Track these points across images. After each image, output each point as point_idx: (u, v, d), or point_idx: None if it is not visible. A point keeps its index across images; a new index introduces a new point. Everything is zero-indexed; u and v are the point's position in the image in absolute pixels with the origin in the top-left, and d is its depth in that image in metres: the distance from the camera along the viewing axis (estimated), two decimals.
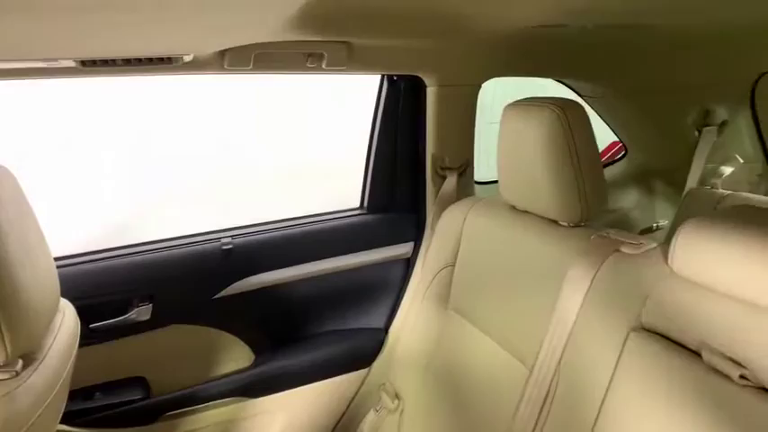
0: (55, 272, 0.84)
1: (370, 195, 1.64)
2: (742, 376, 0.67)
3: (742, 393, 0.67)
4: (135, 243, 1.39)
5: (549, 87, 1.78)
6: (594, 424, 0.85)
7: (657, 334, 0.81)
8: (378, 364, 1.58)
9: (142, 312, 1.31)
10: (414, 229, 1.63)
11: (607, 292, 0.90)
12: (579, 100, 1.85)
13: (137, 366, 1.37)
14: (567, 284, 0.96)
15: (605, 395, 0.84)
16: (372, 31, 1.14)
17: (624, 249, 0.94)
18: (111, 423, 1.30)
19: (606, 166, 2.21)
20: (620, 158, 2.21)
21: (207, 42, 1.03)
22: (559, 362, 0.95)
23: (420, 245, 1.61)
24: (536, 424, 0.97)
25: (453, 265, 1.31)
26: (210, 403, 1.41)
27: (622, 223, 2.17)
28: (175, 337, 1.39)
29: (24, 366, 0.71)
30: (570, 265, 0.97)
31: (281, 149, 5.89)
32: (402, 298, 1.62)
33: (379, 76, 1.57)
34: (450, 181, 1.56)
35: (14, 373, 0.69)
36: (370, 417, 1.47)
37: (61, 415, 0.86)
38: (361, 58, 1.28)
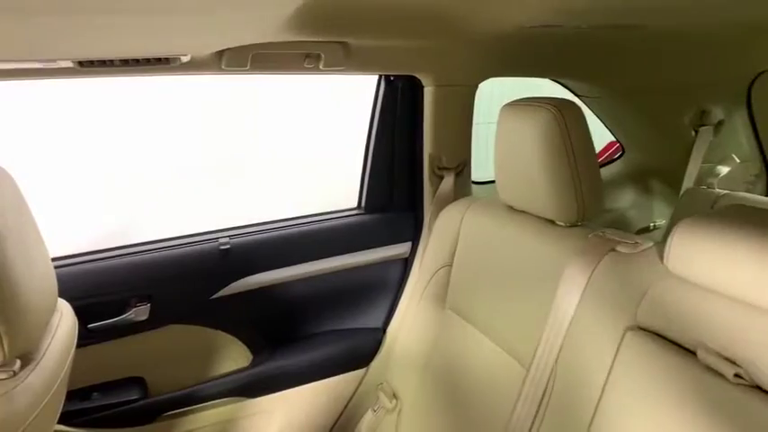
0: (52, 272, 0.84)
1: (367, 195, 1.64)
2: (737, 375, 0.67)
3: (737, 392, 0.68)
4: (132, 243, 1.39)
5: (546, 87, 1.79)
6: (591, 423, 0.85)
7: (653, 333, 0.81)
8: (375, 363, 1.58)
9: (140, 312, 1.31)
10: (411, 229, 1.63)
11: (603, 291, 0.90)
12: (576, 100, 1.86)
13: (134, 366, 1.37)
14: (563, 284, 0.96)
15: (601, 394, 0.84)
16: (369, 32, 1.15)
17: (620, 249, 0.94)
18: (108, 423, 1.30)
19: (603, 165, 2.22)
20: (618, 158, 2.22)
21: (204, 43, 1.03)
22: (556, 361, 0.95)
23: (418, 245, 1.61)
24: (533, 423, 0.97)
25: (451, 265, 1.31)
26: (208, 403, 1.41)
27: (620, 223, 2.17)
28: (173, 338, 1.39)
29: (22, 366, 0.71)
30: (567, 265, 0.97)
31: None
32: (400, 298, 1.62)
33: (376, 77, 1.57)
34: (448, 181, 1.56)
35: (12, 373, 0.69)
36: (368, 416, 1.48)
37: (59, 415, 0.86)
38: (358, 58, 1.28)
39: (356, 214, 1.63)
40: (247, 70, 1.18)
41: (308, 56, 1.21)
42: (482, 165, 1.84)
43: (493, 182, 1.23)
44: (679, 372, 0.74)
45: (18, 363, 0.70)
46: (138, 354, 1.36)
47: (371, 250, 1.58)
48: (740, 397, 0.67)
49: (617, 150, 2.24)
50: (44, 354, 0.77)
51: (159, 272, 1.35)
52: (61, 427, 1.23)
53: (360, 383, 1.59)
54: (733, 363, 0.69)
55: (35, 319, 0.74)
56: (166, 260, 1.36)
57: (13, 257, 0.68)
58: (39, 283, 0.76)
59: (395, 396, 1.40)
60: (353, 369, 1.57)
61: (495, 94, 3.14)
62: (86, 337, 1.26)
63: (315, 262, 1.52)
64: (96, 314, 1.27)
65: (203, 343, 1.44)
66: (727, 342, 0.71)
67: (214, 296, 1.40)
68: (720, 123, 1.91)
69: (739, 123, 1.93)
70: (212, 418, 1.43)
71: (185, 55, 1.08)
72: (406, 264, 1.64)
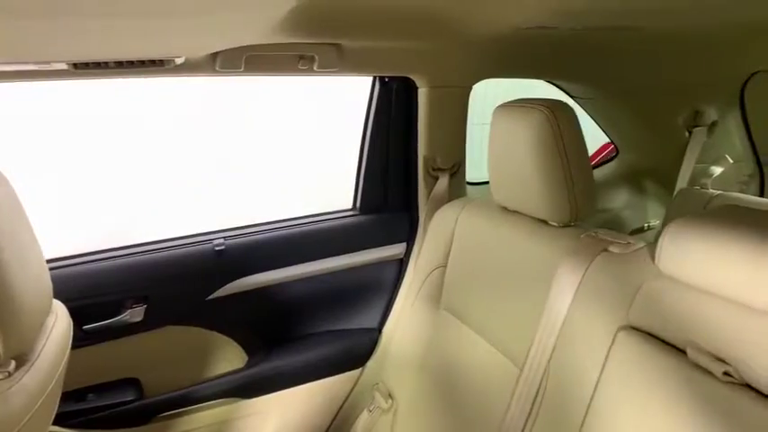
0: (47, 273, 0.84)
1: (362, 196, 1.64)
2: (726, 373, 0.68)
3: (726, 390, 0.68)
4: (128, 245, 1.39)
5: (540, 89, 1.79)
6: (583, 422, 0.86)
7: (645, 332, 0.81)
8: (371, 364, 1.59)
9: (135, 314, 1.31)
10: (406, 230, 1.64)
11: (595, 291, 0.91)
12: (570, 101, 1.87)
13: (130, 367, 1.37)
14: (556, 284, 0.97)
15: (593, 393, 0.85)
16: (363, 34, 1.15)
17: (612, 249, 0.95)
18: (104, 424, 1.30)
19: (597, 166, 2.23)
20: (612, 159, 2.23)
21: (198, 45, 1.03)
22: (549, 360, 0.96)
23: (413, 245, 1.62)
24: (526, 422, 0.98)
25: (445, 266, 1.32)
26: (204, 404, 1.41)
27: (614, 223, 2.18)
28: (168, 339, 1.39)
29: (17, 367, 0.71)
30: (559, 265, 0.97)
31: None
32: (395, 298, 1.62)
33: (371, 78, 1.57)
34: (443, 182, 1.56)
35: (7, 373, 0.69)
36: (364, 417, 1.48)
37: (54, 416, 0.86)
38: (352, 59, 1.28)
39: (351, 215, 1.64)
40: (241, 72, 1.18)
41: (301, 57, 1.21)
42: (476, 166, 1.85)
43: (488, 183, 1.23)
44: (670, 370, 0.75)
45: (13, 364, 0.70)
46: (134, 355, 1.36)
47: (366, 251, 1.59)
48: (729, 395, 0.68)
49: (612, 152, 2.25)
50: (39, 355, 0.77)
51: (154, 273, 1.35)
52: (56, 428, 1.23)
53: (355, 384, 1.59)
54: (722, 361, 0.69)
55: (30, 320, 0.74)
56: (161, 261, 1.36)
57: (7, 259, 0.68)
58: (33, 284, 0.76)
59: (390, 396, 1.40)
60: (349, 369, 1.58)
61: (489, 95, 3.15)
62: (82, 339, 1.26)
63: (310, 263, 1.52)
64: (91, 315, 1.27)
65: (199, 344, 1.44)
66: (718, 341, 0.71)
67: (209, 297, 1.40)
68: (714, 124, 1.92)
69: (732, 124, 1.95)
70: (208, 419, 1.43)
71: (179, 57, 1.08)
72: (401, 264, 1.64)
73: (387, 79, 1.55)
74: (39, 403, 0.74)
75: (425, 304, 1.36)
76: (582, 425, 0.86)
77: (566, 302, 0.94)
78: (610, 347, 0.84)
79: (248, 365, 1.49)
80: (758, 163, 2.01)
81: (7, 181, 0.78)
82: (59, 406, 0.89)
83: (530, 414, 0.97)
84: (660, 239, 0.80)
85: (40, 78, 1.05)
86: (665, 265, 0.79)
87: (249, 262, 1.45)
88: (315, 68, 1.24)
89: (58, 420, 1.21)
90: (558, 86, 1.94)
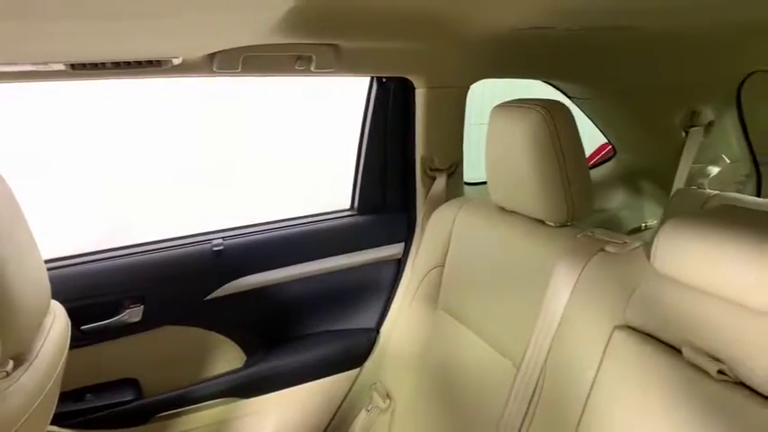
0: (45, 274, 0.84)
1: (360, 196, 1.64)
2: (720, 371, 0.68)
3: (720, 388, 0.69)
4: (126, 245, 1.39)
5: (537, 89, 1.80)
6: (579, 420, 0.86)
7: (641, 332, 0.82)
8: (369, 364, 1.59)
9: (133, 314, 1.31)
10: (404, 230, 1.64)
11: (592, 290, 0.91)
12: (567, 101, 1.87)
13: (128, 368, 1.37)
14: (552, 283, 0.97)
15: (590, 392, 0.85)
16: (360, 34, 1.15)
17: (609, 249, 0.95)
18: (102, 424, 1.30)
19: (595, 166, 2.24)
20: (609, 159, 2.23)
21: (195, 45, 1.03)
22: (546, 359, 0.96)
23: (410, 245, 1.62)
24: (523, 420, 0.98)
25: (443, 266, 1.32)
26: (202, 404, 1.41)
27: (611, 223, 2.18)
28: (167, 339, 1.39)
29: (15, 367, 0.71)
30: (556, 265, 0.98)
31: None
32: (393, 298, 1.62)
33: (368, 78, 1.58)
34: (440, 182, 1.57)
35: (5, 373, 0.69)
36: (362, 416, 1.48)
37: (52, 416, 0.87)
38: (349, 60, 1.28)
39: (349, 215, 1.64)
40: (239, 72, 1.18)
41: (299, 58, 1.22)
42: (474, 166, 1.85)
43: (485, 183, 1.23)
44: (665, 369, 0.75)
45: (11, 363, 0.70)
46: (132, 355, 1.36)
47: (364, 251, 1.59)
48: (724, 393, 0.68)
49: (609, 152, 2.25)
50: (37, 355, 0.77)
51: (152, 273, 1.35)
52: (54, 428, 1.23)
53: (353, 384, 1.59)
54: (716, 360, 0.70)
55: (28, 320, 0.74)
56: (160, 262, 1.36)
57: (5, 259, 0.68)
58: (31, 284, 0.76)
59: (388, 396, 1.41)
60: (347, 369, 1.58)
61: (486, 95, 3.15)
62: (80, 339, 1.26)
63: (308, 263, 1.52)
64: (90, 316, 1.27)
65: (197, 344, 1.44)
66: (714, 340, 0.71)
67: (207, 297, 1.40)
68: (711, 124, 1.92)
69: (729, 124, 1.95)
70: (206, 418, 1.43)
71: (177, 57, 1.08)
72: (399, 264, 1.65)
73: (384, 80, 1.55)
74: (36, 403, 0.74)
75: (423, 304, 1.36)
76: (578, 423, 0.86)
77: (562, 302, 0.94)
78: (606, 346, 0.85)
79: (247, 365, 1.49)
80: (755, 163, 2.02)
81: (4, 180, 0.78)
82: (57, 406, 0.89)
83: (527, 413, 0.98)
84: (656, 239, 0.80)
85: (38, 79, 1.05)
86: (661, 265, 0.79)
87: (247, 262, 1.45)
88: (312, 69, 1.24)
89: (56, 420, 1.21)
90: (555, 87, 1.94)
